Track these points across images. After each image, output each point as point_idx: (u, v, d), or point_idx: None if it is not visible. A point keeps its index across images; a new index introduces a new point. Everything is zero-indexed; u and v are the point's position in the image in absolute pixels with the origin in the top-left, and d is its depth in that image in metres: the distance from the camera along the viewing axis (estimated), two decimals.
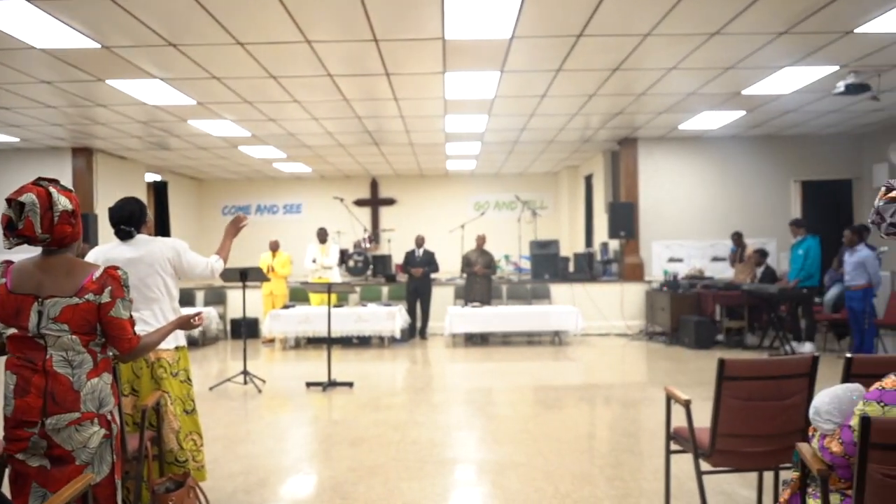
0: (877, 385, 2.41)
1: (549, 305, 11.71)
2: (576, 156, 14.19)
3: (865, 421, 2.12)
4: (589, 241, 14.80)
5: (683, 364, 8.81)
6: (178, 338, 3.85)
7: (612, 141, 12.31)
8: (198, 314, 3.08)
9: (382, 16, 5.79)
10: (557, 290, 12.04)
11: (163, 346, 3.71)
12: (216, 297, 12.19)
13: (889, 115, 10.38)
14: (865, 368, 3.20)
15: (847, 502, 2.36)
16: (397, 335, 10.63)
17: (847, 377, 3.19)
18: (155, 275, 3.72)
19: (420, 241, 11.59)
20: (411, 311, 11.38)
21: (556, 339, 11.20)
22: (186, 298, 11.61)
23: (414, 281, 11.39)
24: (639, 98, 8.95)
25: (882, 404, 2.26)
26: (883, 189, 1.66)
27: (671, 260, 12.08)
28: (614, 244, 12.67)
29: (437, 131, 10.93)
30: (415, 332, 11.57)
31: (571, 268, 12.85)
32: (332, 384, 7.61)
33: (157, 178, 14.81)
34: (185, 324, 3.05)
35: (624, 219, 11.80)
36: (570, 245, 15.75)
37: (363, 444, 5.39)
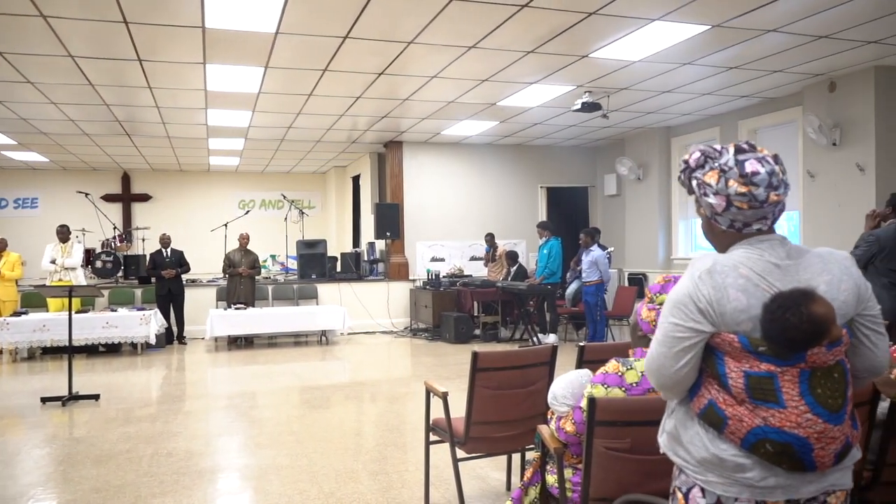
0: (601, 370, 2.73)
1: (316, 305, 11.65)
2: (343, 156, 14.27)
3: (591, 402, 2.40)
4: (356, 241, 14.97)
5: (445, 358, 9.28)
6: None
7: (378, 143, 12.57)
8: None
9: None
10: (325, 289, 12.02)
11: None
12: None
13: (617, 131, 11.83)
14: (595, 355, 3.61)
15: (578, 475, 2.65)
16: (152, 341, 9.87)
17: (580, 363, 3.58)
18: None
19: (166, 241, 10.90)
20: (165, 315, 10.66)
21: (323, 338, 11.17)
22: None
23: (166, 283, 10.68)
24: (404, 103, 9.24)
25: (605, 386, 2.57)
26: (698, 156, 1.81)
27: (434, 259, 12.65)
28: (381, 244, 12.96)
29: (197, 125, 10.34)
30: (172, 336, 10.84)
31: (339, 267, 12.91)
32: (73, 398, 6.85)
33: None
34: None
35: (390, 219, 12.12)
36: (338, 245, 15.80)
37: (110, 461, 4.93)
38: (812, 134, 8.20)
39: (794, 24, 6.24)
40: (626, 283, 12.05)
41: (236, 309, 10.42)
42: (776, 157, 1.81)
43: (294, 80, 7.88)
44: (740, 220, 1.78)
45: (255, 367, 9.05)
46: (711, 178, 1.79)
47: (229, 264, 10.85)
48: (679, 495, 1.82)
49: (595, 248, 9.88)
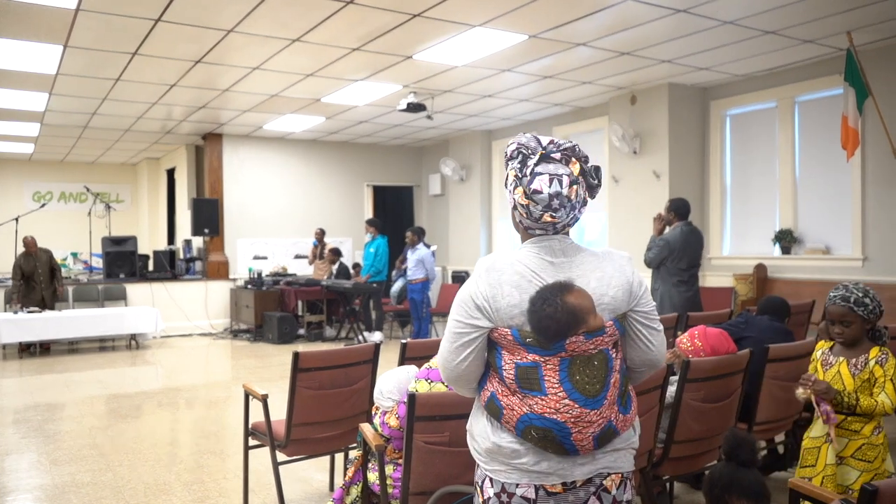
0: (426, 365, 2.77)
1: (125, 307, 10.80)
2: (157, 147, 13.37)
3: (412, 397, 2.43)
4: (171, 238, 14.10)
5: (267, 359, 8.99)
6: None
7: (196, 135, 11.92)
8: None
9: None
10: (135, 290, 11.18)
11: None
12: None
13: (441, 133, 12.13)
14: (418, 351, 3.69)
15: (399, 470, 2.67)
16: None
17: (403, 360, 3.63)
18: None
19: None
20: None
21: (132, 343, 10.38)
22: None
23: None
24: (224, 94, 8.83)
25: (429, 381, 2.61)
26: (514, 148, 1.83)
27: (256, 258, 12.22)
28: (198, 241, 12.30)
29: None
30: None
31: (151, 266, 12.07)
32: None
33: None
34: None
35: (208, 215, 11.53)
36: (151, 242, 14.79)
37: None
38: (616, 142, 8.91)
39: (601, 39, 6.74)
40: (450, 281, 12.40)
41: (29, 312, 9.38)
42: (591, 170, 1.85)
43: (99, 62, 7.24)
44: (524, 223, 1.87)
45: (52, 376, 8.21)
46: (510, 176, 1.86)
47: (21, 274, 9.74)
48: (477, 489, 1.89)
49: (420, 246, 10.06)
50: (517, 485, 1.78)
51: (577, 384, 1.74)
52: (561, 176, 1.80)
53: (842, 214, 7.58)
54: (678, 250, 6.26)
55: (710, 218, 8.87)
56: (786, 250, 8.04)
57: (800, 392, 2.76)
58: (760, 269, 8.12)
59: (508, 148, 1.89)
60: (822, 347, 2.96)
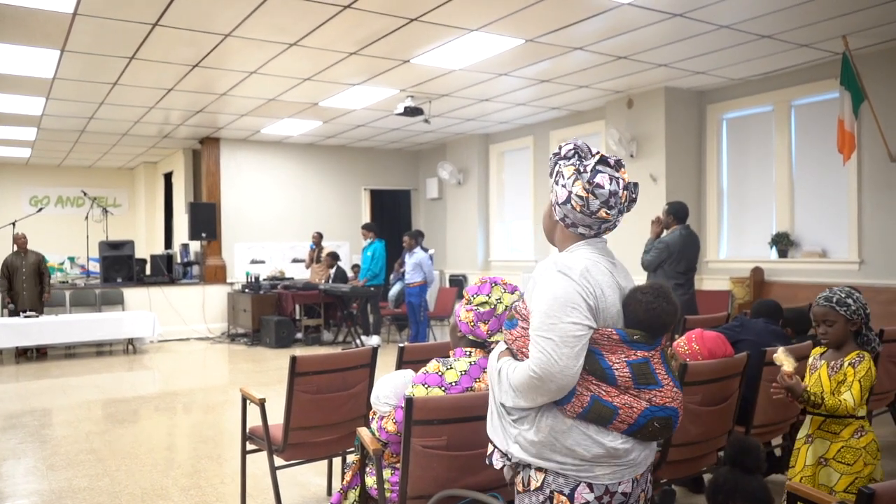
0: (422, 370, 2.77)
1: (122, 312, 10.78)
2: (154, 151, 13.36)
3: (409, 402, 2.42)
4: (168, 242, 14.08)
5: (265, 363, 8.98)
6: None
7: (193, 139, 11.92)
8: None
9: None
10: (132, 294, 11.17)
11: None
12: None
13: (438, 136, 12.14)
14: (416, 355, 3.68)
15: (397, 474, 2.67)
16: None
17: (400, 364, 3.62)
18: None
19: None
20: None
21: (130, 347, 10.35)
22: None
23: None
24: (221, 98, 8.83)
25: (426, 386, 2.60)
26: (570, 148, 1.99)
27: (253, 262, 12.21)
28: (195, 245, 12.29)
29: None
30: None
31: (148, 270, 12.05)
32: None
33: None
34: None
35: (206, 220, 11.52)
36: (148, 246, 14.78)
37: None
38: (613, 146, 8.93)
39: (597, 44, 6.75)
40: (448, 285, 12.40)
41: (25, 317, 9.36)
42: (631, 185, 1.99)
43: (96, 66, 7.24)
44: (570, 218, 1.96)
45: (49, 381, 8.20)
46: (568, 170, 1.96)
47: (7, 272, 9.72)
48: (562, 498, 1.88)
49: (418, 250, 10.05)
50: (620, 482, 1.89)
51: (674, 373, 1.97)
52: (618, 178, 1.95)
53: (838, 218, 7.60)
54: (676, 253, 6.27)
55: (707, 221, 8.88)
56: (782, 253, 8.05)
57: (776, 387, 2.79)
58: (757, 272, 8.13)
59: (564, 147, 2.01)
60: (815, 353, 2.99)
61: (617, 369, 1.85)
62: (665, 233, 6.47)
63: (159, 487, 4.36)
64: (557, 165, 2.00)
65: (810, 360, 3.00)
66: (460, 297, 2.88)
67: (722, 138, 8.85)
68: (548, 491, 1.90)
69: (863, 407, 2.76)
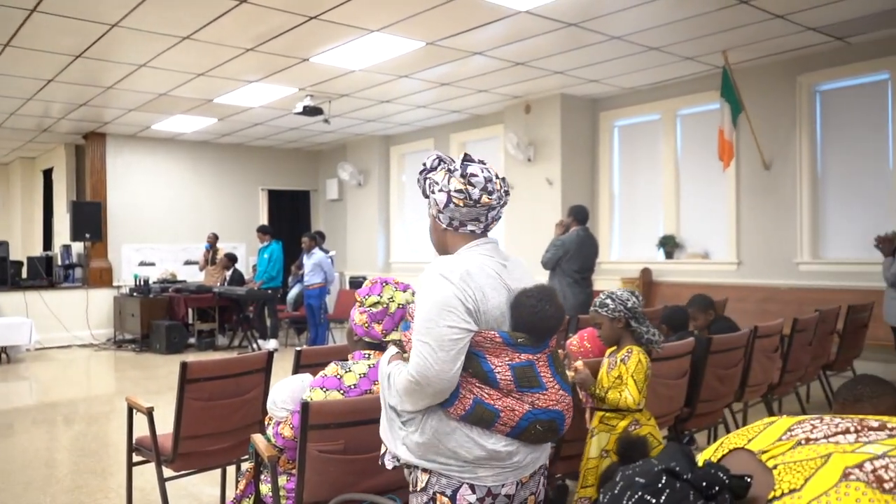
0: (321, 373, 2.72)
1: None
2: (32, 146, 12.51)
3: (305, 405, 2.38)
4: (48, 243, 13.22)
5: (154, 370, 8.58)
6: None
7: (76, 134, 11.23)
8: None
9: None
10: (6, 299, 10.38)
11: None
12: None
13: (338, 137, 12.01)
14: (313, 359, 3.61)
15: (293, 481, 2.61)
16: None
17: (298, 368, 3.55)
18: None
19: None
20: None
21: (3, 356, 9.62)
22: None
23: None
24: (107, 91, 8.37)
25: (324, 390, 2.56)
26: (433, 158, 2.02)
27: (142, 264, 11.64)
28: (78, 247, 11.58)
29: None
30: None
31: (25, 273, 11.24)
32: None
33: None
34: None
35: (90, 219, 10.87)
36: (25, 248, 13.81)
37: None
38: (512, 150, 9.12)
39: (496, 49, 6.88)
40: (348, 287, 12.28)
41: None
42: (499, 176, 2.02)
43: None
44: (457, 217, 1.96)
45: None
46: (439, 176, 1.97)
47: None
48: (444, 499, 1.87)
49: (317, 250, 9.89)
50: (503, 484, 1.88)
51: (562, 376, 1.96)
52: (487, 168, 1.98)
53: (719, 221, 8.08)
54: (572, 251, 6.48)
55: (600, 224, 9.22)
56: (669, 255, 8.48)
57: (571, 375, 2.98)
58: (646, 272, 8.52)
59: (428, 160, 2.03)
60: (608, 352, 3.18)
61: (499, 372, 1.85)
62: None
63: None
64: (427, 179, 2.02)
65: (604, 358, 3.19)
66: None
67: (614, 144, 9.22)
68: (431, 492, 1.90)
69: (642, 400, 2.95)
